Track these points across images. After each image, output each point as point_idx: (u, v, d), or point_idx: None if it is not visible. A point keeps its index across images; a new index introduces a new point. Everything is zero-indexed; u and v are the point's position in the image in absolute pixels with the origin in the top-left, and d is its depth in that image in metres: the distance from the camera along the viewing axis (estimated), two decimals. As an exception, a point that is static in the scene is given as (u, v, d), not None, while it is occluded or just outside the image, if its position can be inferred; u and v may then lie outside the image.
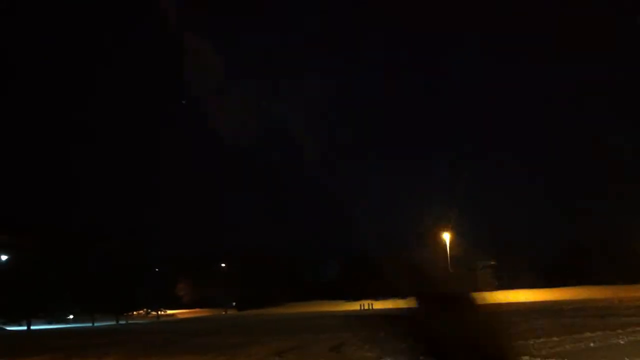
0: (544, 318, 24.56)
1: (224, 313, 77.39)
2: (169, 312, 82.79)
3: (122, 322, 59.09)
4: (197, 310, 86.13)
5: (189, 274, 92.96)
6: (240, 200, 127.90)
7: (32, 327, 55.77)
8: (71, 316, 69.71)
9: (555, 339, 15.07)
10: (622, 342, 13.84)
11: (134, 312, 75.47)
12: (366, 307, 56.87)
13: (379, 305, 61.47)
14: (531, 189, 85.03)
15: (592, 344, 13.73)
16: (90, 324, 57.30)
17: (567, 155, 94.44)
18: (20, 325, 61.46)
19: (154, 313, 73.97)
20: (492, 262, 68.41)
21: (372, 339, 16.62)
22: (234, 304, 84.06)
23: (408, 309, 8.74)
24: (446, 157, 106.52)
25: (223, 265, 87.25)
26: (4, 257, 61.49)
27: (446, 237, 65.41)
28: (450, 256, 64.34)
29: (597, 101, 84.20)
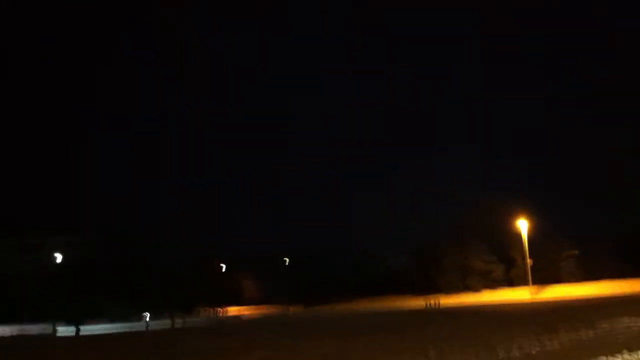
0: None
1: (289, 310, 74.73)
2: (232, 309, 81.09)
3: (179, 321, 56.98)
4: (261, 307, 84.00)
5: (253, 271, 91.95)
6: (303, 198, 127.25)
7: (84, 328, 54.42)
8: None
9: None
10: None
11: (199, 310, 74.01)
12: (432, 303, 52.57)
13: (446, 300, 57.73)
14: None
15: None
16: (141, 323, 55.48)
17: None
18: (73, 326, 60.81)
19: (211, 310, 71.80)
20: (575, 252, 62.48)
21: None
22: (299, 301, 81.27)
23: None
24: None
25: (286, 259, 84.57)
26: (59, 258, 60.94)
27: (523, 225, 60.38)
28: (528, 245, 59.47)
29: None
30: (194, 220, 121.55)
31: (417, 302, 56.15)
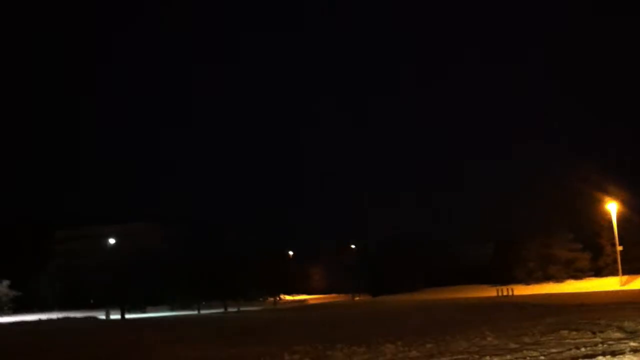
0: None
1: (357, 298, 72.13)
2: (299, 297, 79.82)
3: (233, 309, 55.51)
4: (330, 295, 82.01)
5: (323, 258, 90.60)
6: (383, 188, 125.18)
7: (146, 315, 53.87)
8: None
9: None
10: None
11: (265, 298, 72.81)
12: (504, 293, 48.17)
13: (524, 291, 52.97)
14: None
15: None
16: (195, 312, 54.26)
17: None
18: (139, 312, 60.94)
19: (271, 299, 70.28)
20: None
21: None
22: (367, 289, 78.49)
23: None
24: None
25: (353, 247, 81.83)
26: (112, 241, 60.84)
27: (612, 209, 54.24)
28: (618, 231, 53.37)
29: None
30: (262, 212, 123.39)
31: (489, 293, 51.64)
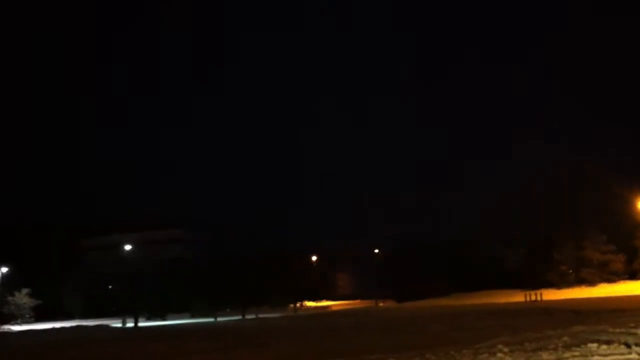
0: None
1: (381, 304, 70.16)
2: (323, 303, 78.19)
3: (251, 316, 54.18)
4: (354, 302, 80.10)
5: (348, 265, 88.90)
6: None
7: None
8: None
9: None
10: None
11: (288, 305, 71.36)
12: (532, 298, 45.92)
13: (555, 295, 50.56)
14: None
15: None
16: (212, 319, 52.98)
17: None
18: (159, 320, 60.17)
19: (291, 306, 68.76)
20: None
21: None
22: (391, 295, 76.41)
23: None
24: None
25: (377, 251, 79.85)
26: (128, 247, 60.25)
27: (646, 207, 51.43)
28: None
29: None
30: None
31: (519, 298, 49.28)
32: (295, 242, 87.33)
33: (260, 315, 54.70)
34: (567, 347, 10.08)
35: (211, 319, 54.81)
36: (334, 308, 70.45)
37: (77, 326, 43.87)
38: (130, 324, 50.57)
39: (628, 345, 9.62)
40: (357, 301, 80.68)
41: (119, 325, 49.97)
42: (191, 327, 38.85)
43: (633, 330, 12.07)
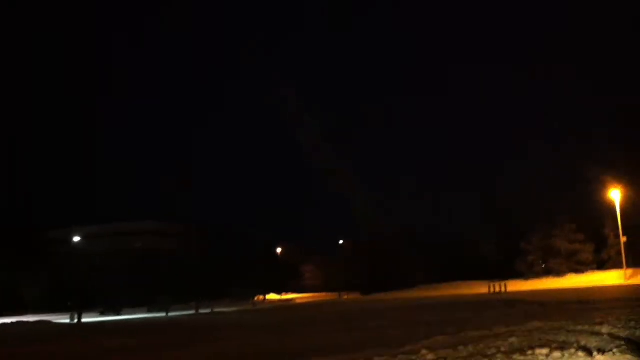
0: None
1: (345, 297, 68.10)
2: (287, 296, 75.88)
3: (206, 310, 51.64)
4: (320, 294, 78.02)
5: (315, 256, 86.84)
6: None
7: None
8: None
9: None
10: None
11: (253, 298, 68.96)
12: (496, 290, 44.18)
13: (522, 286, 48.93)
14: None
15: None
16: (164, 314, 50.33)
17: None
18: (113, 315, 57.29)
19: (255, 298, 66.54)
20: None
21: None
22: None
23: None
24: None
25: (341, 242, 77.82)
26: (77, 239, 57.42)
27: (616, 196, 49.87)
28: (622, 221, 48.95)
29: None
30: (262, 212, 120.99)
31: (484, 289, 47.46)
32: (264, 235, 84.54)
33: (217, 310, 52.09)
34: (510, 353, 7.66)
35: (165, 314, 52.20)
36: (297, 301, 68.04)
37: (17, 322, 40.79)
38: (86, 320, 47.66)
39: (588, 351, 7.24)
40: (323, 294, 78.63)
41: (67, 320, 47.11)
42: (133, 323, 36.07)
43: (597, 328, 9.76)
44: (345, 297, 68.73)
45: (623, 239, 47.58)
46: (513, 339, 8.90)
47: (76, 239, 62.68)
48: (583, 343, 8.07)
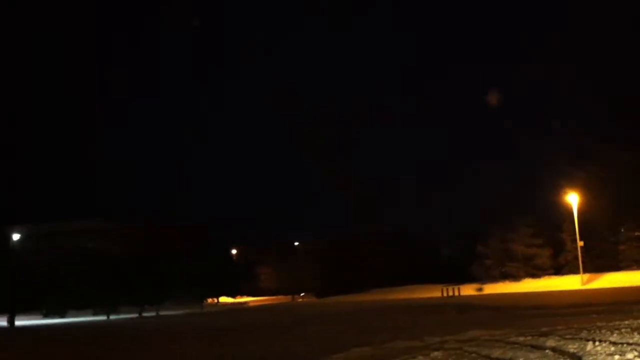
0: None
1: (300, 300, 66.58)
2: (241, 299, 73.90)
3: (151, 313, 49.40)
4: (275, 297, 76.11)
5: (271, 258, 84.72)
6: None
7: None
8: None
9: None
10: None
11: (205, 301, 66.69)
12: (450, 294, 43.19)
13: (473, 290, 48.08)
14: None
15: None
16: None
17: None
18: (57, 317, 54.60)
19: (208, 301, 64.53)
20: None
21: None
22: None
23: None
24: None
25: (297, 243, 76.13)
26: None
27: (573, 200, 49.31)
28: (579, 224, 48.39)
29: None
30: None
31: (438, 293, 46.41)
32: (223, 235, 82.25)
33: (162, 313, 49.87)
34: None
35: (110, 317, 49.80)
36: (251, 304, 66.16)
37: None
38: (21, 322, 44.96)
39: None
40: (279, 297, 76.77)
41: (4, 323, 44.40)
42: (68, 328, 33.77)
43: (542, 340, 8.21)
44: (300, 300, 67.22)
45: (580, 244, 46.97)
46: (437, 354, 7.29)
47: (16, 236, 59.42)
48: (523, 357, 6.48)
